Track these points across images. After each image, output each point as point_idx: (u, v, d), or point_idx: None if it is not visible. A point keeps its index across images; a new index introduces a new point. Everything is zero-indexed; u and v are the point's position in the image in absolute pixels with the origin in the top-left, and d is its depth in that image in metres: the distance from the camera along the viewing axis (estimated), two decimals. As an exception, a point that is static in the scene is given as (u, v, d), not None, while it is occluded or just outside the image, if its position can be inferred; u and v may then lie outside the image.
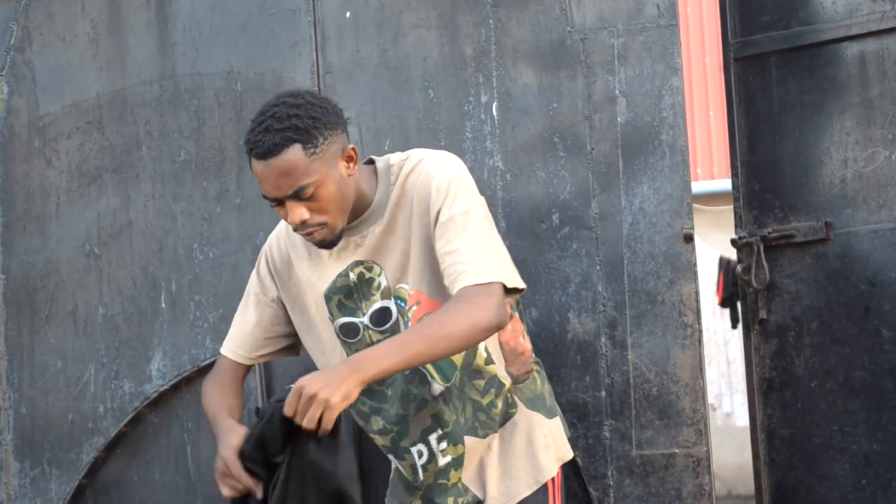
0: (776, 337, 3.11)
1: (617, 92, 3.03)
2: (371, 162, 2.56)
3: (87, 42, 3.32)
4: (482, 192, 3.05)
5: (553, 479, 2.59)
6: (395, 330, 2.51)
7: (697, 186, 8.33)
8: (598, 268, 3.03)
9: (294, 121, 2.36)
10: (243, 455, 2.35)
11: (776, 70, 3.11)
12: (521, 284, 2.44)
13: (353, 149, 2.45)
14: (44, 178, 3.33)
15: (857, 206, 3.02)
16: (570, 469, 3.04)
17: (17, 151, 3.35)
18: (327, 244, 2.47)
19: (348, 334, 2.55)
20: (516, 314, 2.62)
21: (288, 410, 2.24)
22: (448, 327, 2.29)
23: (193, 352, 3.21)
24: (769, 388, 3.12)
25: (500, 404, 2.56)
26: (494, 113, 3.09)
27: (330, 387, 2.21)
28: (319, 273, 2.56)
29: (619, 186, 3.02)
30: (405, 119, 3.14)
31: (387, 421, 2.55)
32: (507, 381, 2.57)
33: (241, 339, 2.66)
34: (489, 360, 2.54)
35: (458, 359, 2.50)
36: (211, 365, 3.18)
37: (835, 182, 3.05)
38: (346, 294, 2.54)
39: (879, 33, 3.00)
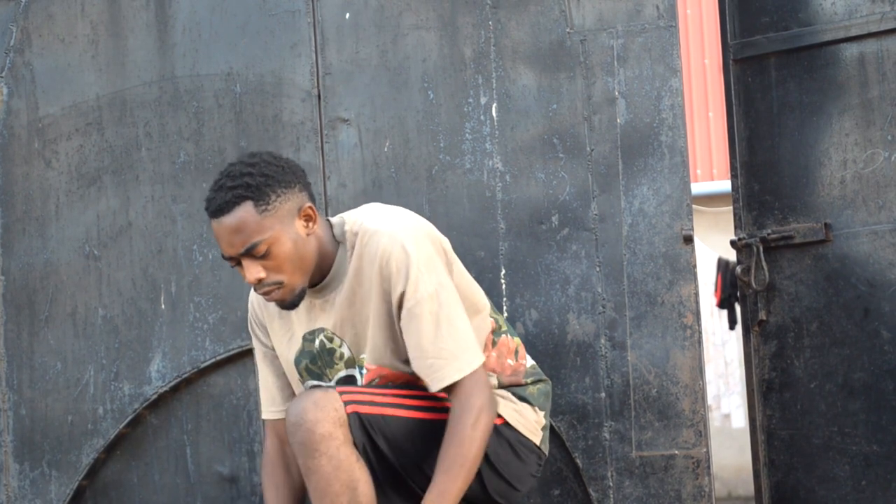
0: (776, 338, 3.11)
1: (616, 93, 3.04)
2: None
3: (86, 43, 3.32)
4: (482, 194, 3.07)
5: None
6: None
7: (697, 188, 8.34)
8: (598, 269, 3.03)
9: (246, 178, 2.38)
10: None
11: (776, 71, 3.12)
12: (481, 358, 2.46)
13: (310, 207, 2.44)
14: (43, 179, 3.33)
15: (856, 207, 3.03)
16: (570, 470, 3.04)
17: (16, 153, 3.35)
18: (287, 304, 2.47)
19: None
20: (502, 336, 2.63)
21: None
22: (467, 454, 2.36)
23: (193, 353, 3.21)
24: (769, 389, 3.12)
25: None
26: (494, 114, 3.10)
27: None
28: (289, 335, 2.59)
29: (619, 188, 3.02)
30: (405, 120, 3.14)
31: None
32: (493, 381, 2.60)
33: (271, 397, 2.70)
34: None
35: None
36: (211, 366, 3.19)
37: (834, 183, 3.05)
38: (312, 360, 2.56)
39: (879, 34, 3.01)
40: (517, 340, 2.68)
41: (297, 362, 2.58)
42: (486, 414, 2.40)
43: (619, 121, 3.03)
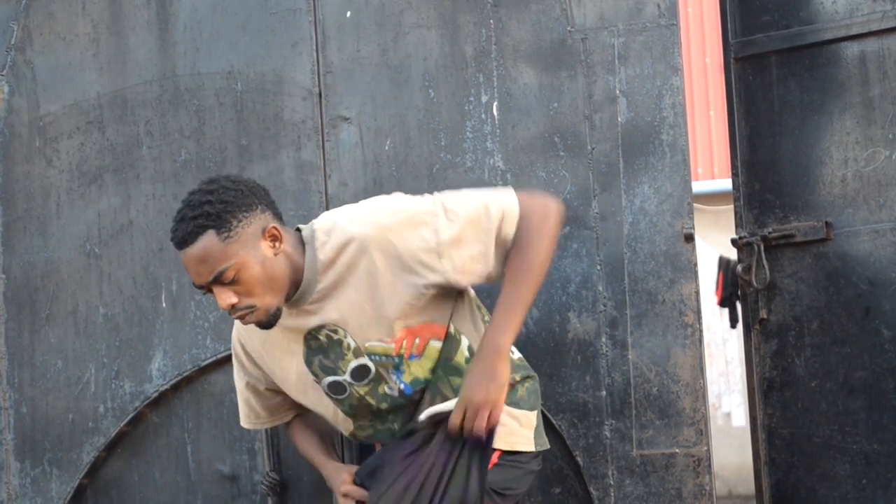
0: (776, 337, 3.11)
1: (617, 92, 3.04)
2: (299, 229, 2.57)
3: (87, 42, 3.32)
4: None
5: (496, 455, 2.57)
6: (377, 380, 2.55)
7: (698, 186, 8.34)
8: (599, 267, 3.03)
9: (206, 207, 2.38)
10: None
11: (776, 70, 3.12)
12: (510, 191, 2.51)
13: (274, 227, 2.44)
14: (44, 177, 3.33)
15: (857, 205, 3.03)
16: (570, 468, 3.05)
17: (17, 151, 3.35)
18: (264, 325, 2.48)
19: (336, 392, 2.59)
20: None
21: (455, 423, 2.39)
22: (533, 261, 2.43)
23: (194, 351, 3.21)
24: (769, 387, 3.12)
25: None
26: (495, 113, 3.09)
27: (491, 388, 2.37)
28: (288, 348, 2.60)
29: (620, 186, 3.02)
30: (406, 119, 3.14)
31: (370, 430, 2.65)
32: None
33: (255, 413, 2.78)
34: (469, 359, 2.54)
35: (434, 354, 2.53)
36: (212, 364, 3.19)
37: (835, 182, 3.05)
38: (324, 354, 2.56)
39: (880, 33, 3.01)
40: None
41: (308, 363, 2.58)
42: (553, 216, 2.47)
43: (620, 119, 3.03)
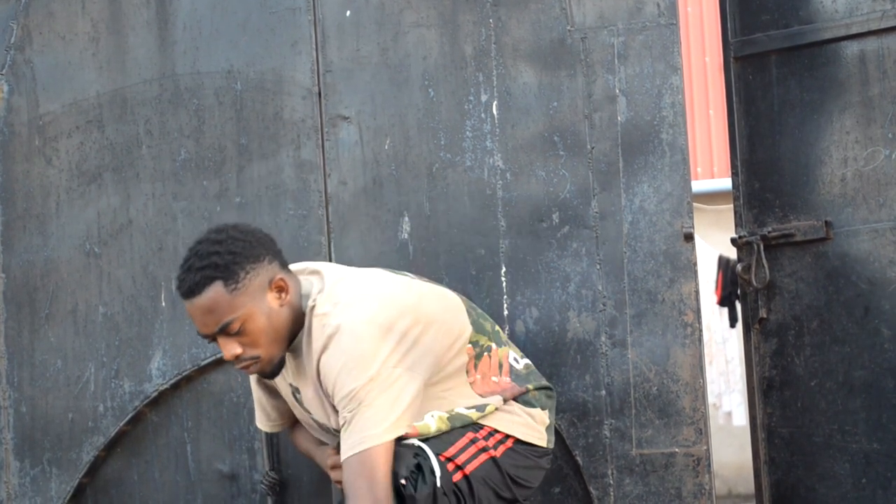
0: (776, 336, 3.11)
1: (617, 91, 3.03)
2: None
3: (87, 41, 3.32)
4: (483, 192, 3.07)
5: (478, 427, 2.58)
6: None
7: (697, 185, 8.33)
8: (598, 267, 3.03)
9: (214, 258, 2.37)
10: None
11: (776, 69, 3.11)
12: (399, 431, 2.39)
13: (282, 279, 2.43)
14: (44, 176, 3.32)
15: (857, 205, 3.02)
16: (570, 468, 3.04)
17: (17, 150, 3.34)
18: (267, 375, 2.50)
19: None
20: (485, 356, 2.62)
21: None
22: None
23: (193, 351, 3.21)
24: (769, 387, 3.12)
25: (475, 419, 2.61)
26: (494, 112, 3.09)
27: None
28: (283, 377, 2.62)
29: (620, 185, 3.02)
30: (405, 118, 3.13)
31: None
32: (491, 405, 2.60)
33: (266, 414, 2.79)
34: (455, 420, 2.56)
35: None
36: (212, 364, 3.19)
37: (835, 181, 3.05)
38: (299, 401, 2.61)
39: (879, 32, 3.00)
40: (502, 352, 2.66)
41: (294, 396, 2.62)
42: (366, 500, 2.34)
43: (619, 118, 3.03)
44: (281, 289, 2.44)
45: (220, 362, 3.20)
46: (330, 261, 3.12)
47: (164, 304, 3.24)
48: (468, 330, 2.61)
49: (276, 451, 3.14)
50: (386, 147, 3.13)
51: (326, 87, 3.17)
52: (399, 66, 3.15)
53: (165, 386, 3.23)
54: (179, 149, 3.25)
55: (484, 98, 3.10)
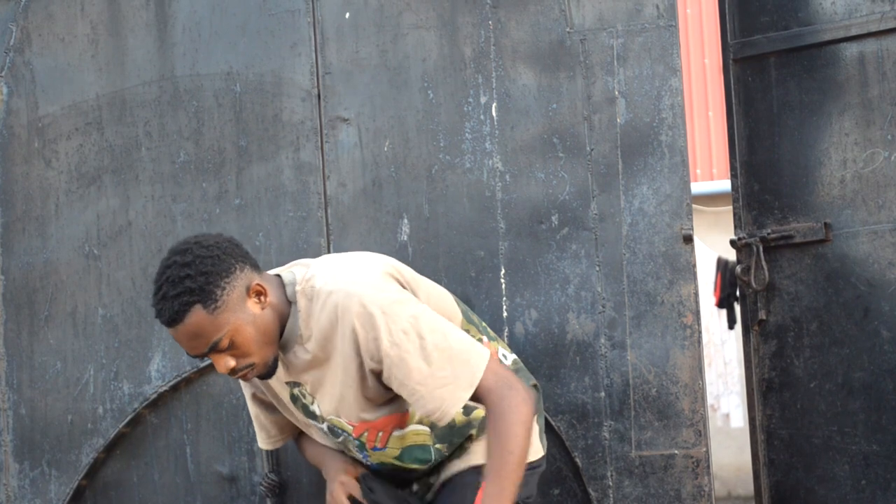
0: (775, 338, 3.11)
1: (616, 93, 3.04)
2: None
3: (86, 43, 3.32)
4: (482, 194, 3.07)
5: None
6: (346, 444, 2.60)
7: (697, 187, 8.34)
8: (598, 268, 3.03)
9: (187, 282, 2.32)
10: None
11: (775, 71, 3.12)
12: (486, 353, 2.41)
13: (258, 284, 2.39)
14: (43, 179, 3.33)
15: (856, 206, 3.03)
16: (569, 469, 3.04)
17: (16, 152, 3.35)
18: (265, 376, 2.48)
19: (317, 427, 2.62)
20: (484, 339, 2.63)
21: None
22: (515, 455, 2.33)
23: (193, 353, 3.21)
24: (768, 388, 3.12)
25: (478, 429, 2.60)
26: (494, 114, 3.10)
27: None
28: (280, 381, 2.59)
29: (619, 187, 3.02)
30: (404, 120, 3.14)
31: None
32: (480, 409, 2.58)
33: (266, 431, 2.76)
34: (469, 410, 2.55)
35: (399, 442, 2.54)
36: (211, 366, 3.19)
37: (834, 183, 3.05)
38: (301, 405, 2.58)
39: (879, 34, 3.01)
40: (494, 345, 2.66)
41: (293, 400, 2.59)
42: (524, 406, 2.35)
43: (618, 120, 3.03)
44: (259, 293, 2.40)
45: (219, 364, 3.20)
46: (329, 262, 3.13)
47: (163, 305, 3.23)
48: (459, 316, 2.60)
49: (276, 453, 3.14)
50: (385, 149, 3.13)
51: (326, 89, 3.17)
52: (398, 68, 3.15)
53: (165, 388, 3.23)
54: (179, 151, 3.25)
55: (483, 100, 3.10)
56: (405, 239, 3.12)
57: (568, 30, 3.07)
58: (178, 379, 3.22)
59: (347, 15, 3.18)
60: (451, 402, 2.37)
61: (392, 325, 2.35)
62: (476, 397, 2.39)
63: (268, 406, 2.72)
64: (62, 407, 3.28)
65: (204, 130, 3.24)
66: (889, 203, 2.99)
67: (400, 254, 3.09)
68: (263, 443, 2.79)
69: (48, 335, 3.30)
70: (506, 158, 3.08)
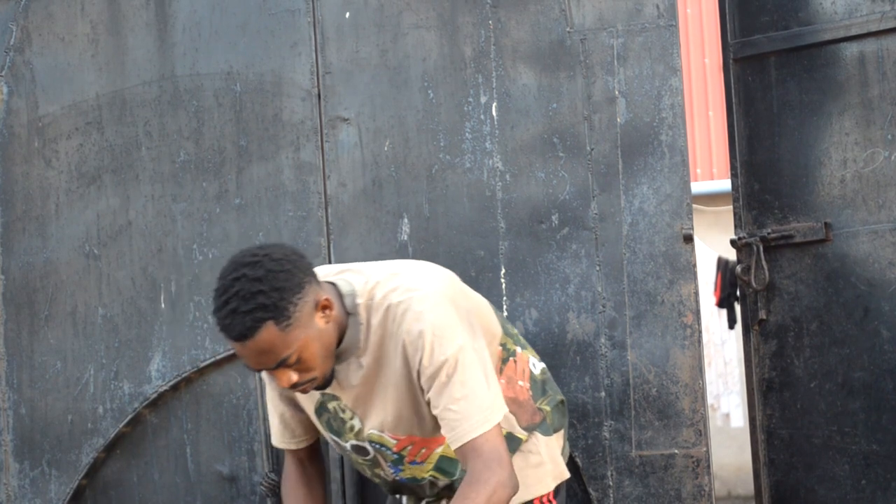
0: (776, 337, 3.11)
1: (616, 92, 3.03)
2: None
3: (86, 42, 3.32)
4: (482, 193, 3.07)
5: (544, 498, 2.57)
6: (374, 462, 2.56)
7: (697, 187, 8.34)
8: (598, 268, 3.03)
9: (261, 298, 2.25)
10: None
11: (776, 70, 3.12)
12: (504, 409, 2.39)
13: (326, 299, 2.35)
14: (43, 178, 3.32)
15: (856, 206, 3.03)
16: (569, 469, 3.04)
17: (16, 152, 3.34)
18: (321, 387, 2.46)
19: (339, 444, 2.59)
20: (509, 362, 2.59)
21: None
22: None
23: (193, 352, 3.21)
24: (769, 388, 3.12)
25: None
26: (494, 113, 3.09)
27: None
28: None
29: (619, 187, 3.02)
30: (405, 119, 3.14)
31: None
32: (524, 435, 2.57)
33: (290, 430, 2.67)
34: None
35: (436, 458, 2.52)
36: (211, 365, 3.19)
37: (834, 182, 3.05)
38: (332, 418, 2.55)
39: (879, 34, 3.00)
40: (524, 355, 2.63)
41: (318, 414, 2.56)
42: (501, 490, 2.30)
43: (619, 120, 3.03)
44: (326, 307, 2.36)
45: (219, 364, 3.20)
46: (329, 263, 3.12)
47: (163, 305, 3.24)
48: (500, 331, 2.58)
49: (276, 452, 3.13)
50: (385, 148, 3.13)
51: (326, 89, 3.17)
52: (398, 68, 3.15)
53: (165, 387, 3.23)
54: (179, 150, 3.25)
55: (483, 99, 3.10)
56: (405, 239, 3.12)
57: (568, 29, 3.07)
58: (178, 379, 3.22)
59: (347, 14, 3.18)
60: (457, 434, 2.34)
61: (436, 349, 2.34)
62: (462, 453, 2.35)
63: (296, 405, 2.64)
64: (62, 407, 3.28)
65: (204, 130, 3.24)
66: (889, 203, 2.99)
67: (400, 254, 3.09)
68: (285, 441, 2.68)
69: (48, 335, 3.30)
70: (506, 158, 3.08)
